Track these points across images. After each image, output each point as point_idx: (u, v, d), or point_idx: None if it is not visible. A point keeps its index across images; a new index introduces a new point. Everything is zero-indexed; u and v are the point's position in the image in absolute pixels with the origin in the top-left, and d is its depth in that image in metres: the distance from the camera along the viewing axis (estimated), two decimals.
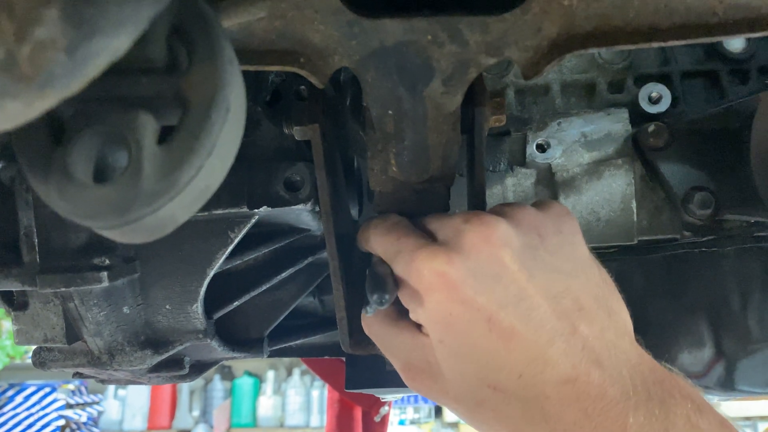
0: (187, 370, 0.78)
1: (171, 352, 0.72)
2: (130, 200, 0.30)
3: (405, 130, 0.53)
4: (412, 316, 0.53)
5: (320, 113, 0.58)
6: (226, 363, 5.30)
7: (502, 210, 0.54)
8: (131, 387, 4.89)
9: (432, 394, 0.54)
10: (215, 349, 0.75)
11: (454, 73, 0.49)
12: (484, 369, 0.49)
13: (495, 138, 0.96)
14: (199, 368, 0.84)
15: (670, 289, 0.98)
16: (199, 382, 5.16)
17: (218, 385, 5.24)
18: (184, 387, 4.97)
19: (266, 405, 5.09)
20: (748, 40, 0.98)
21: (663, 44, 0.45)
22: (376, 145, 0.55)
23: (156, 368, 0.76)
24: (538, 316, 0.48)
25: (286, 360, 5.31)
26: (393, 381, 0.69)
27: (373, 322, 0.59)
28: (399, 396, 1.08)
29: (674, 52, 1.00)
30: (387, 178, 0.58)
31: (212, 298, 0.73)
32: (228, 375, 5.33)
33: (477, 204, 0.61)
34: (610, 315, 0.51)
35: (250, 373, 5.25)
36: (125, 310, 0.68)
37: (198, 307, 0.69)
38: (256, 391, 5.17)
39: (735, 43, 0.98)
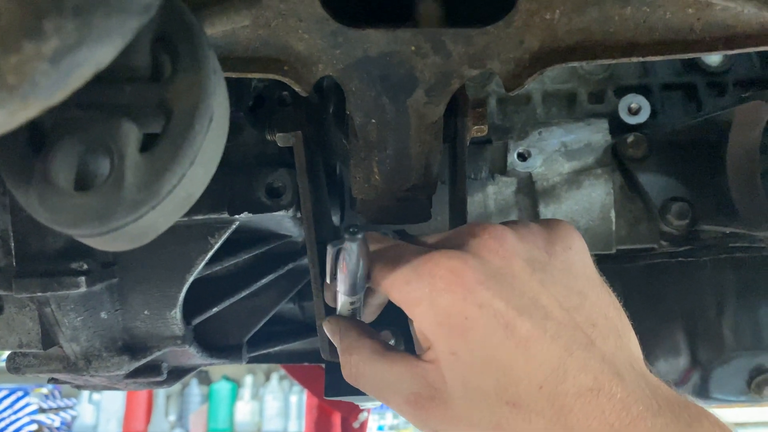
0: (164, 376, 0.78)
1: (149, 358, 0.71)
2: (112, 209, 0.30)
3: (388, 139, 0.53)
4: (417, 326, 0.48)
5: (303, 120, 0.58)
6: (203, 368, 5.26)
7: (508, 224, 0.51)
8: (106, 391, 4.82)
9: (443, 425, 0.48)
10: (193, 355, 0.75)
11: (436, 84, 0.49)
12: (501, 382, 0.44)
13: (476, 146, 0.97)
14: (177, 374, 0.83)
15: (647, 298, 0.99)
16: (175, 386, 5.10)
17: (195, 390, 5.19)
18: (161, 391, 4.91)
19: (244, 410, 5.05)
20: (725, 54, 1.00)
21: (642, 59, 0.46)
22: (359, 153, 0.55)
23: (133, 374, 0.75)
24: (553, 325, 0.45)
25: (264, 365, 5.28)
26: None
27: (359, 363, 0.53)
28: (379, 403, 1.08)
29: (653, 64, 1.02)
30: (370, 186, 0.58)
31: (191, 303, 0.73)
32: (205, 379, 5.28)
33: (459, 212, 0.62)
34: (620, 336, 0.48)
35: (227, 378, 5.20)
36: (103, 315, 0.68)
37: (177, 313, 0.69)
38: (234, 396, 5.13)
39: (713, 57, 1.00)
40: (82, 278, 0.62)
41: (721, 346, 0.95)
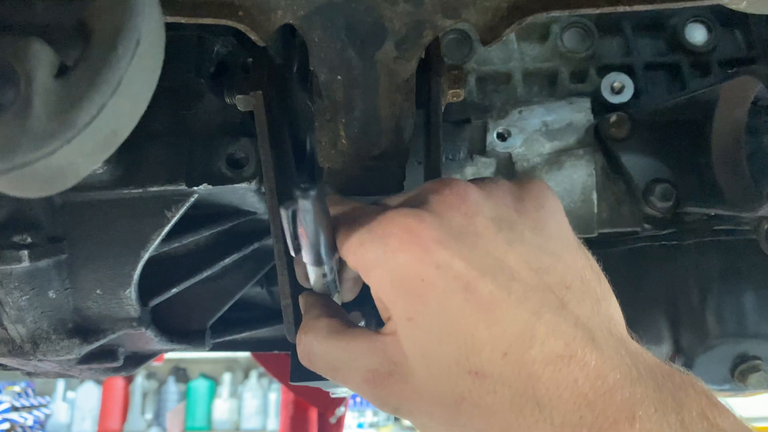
0: (121, 362, 0.73)
1: (102, 341, 0.67)
2: (16, 140, 0.25)
3: (355, 98, 0.49)
4: (374, 293, 0.45)
5: (265, 81, 0.54)
6: (181, 365, 5.20)
7: (475, 181, 0.48)
8: (81, 389, 4.74)
9: (403, 404, 0.45)
10: (152, 339, 0.70)
11: (407, 35, 0.45)
12: (462, 350, 0.41)
13: (455, 126, 0.93)
14: (135, 360, 0.78)
15: (629, 284, 0.96)
16: (152, 384, 5.04)
17: (172, 388, 5.13)
18: (137, 389, 4.85)
19: (222, 408, 5.00)
20: (710, 32, 0.97)
21: (628, 8, 0.43)
22: (324, 114, 0.51)
23: (87, 359, 0.70)
24: (520, 287, 0.41)
25: (243, 362, 5.23)
26: None
27: (314, 340, 0.49)
28: (346, 391, 1.04)
29: (637, 43, 0.99)
30: (336, 152, 0.54)
31: (148, 284, 0.68)
32: (183, 377, 5.22)
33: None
34: (599, 301, 0.45)
35: (205, 376, 5.15)
36: (51, 294, 0.63)
37: (131, 293, 0.64)
38: (212, 394, 5.08)
39: (697, 35, 0.97)
40: (25, 252, 0.57)
41: (705, 332, 0.92)
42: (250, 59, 0.66)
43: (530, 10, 0.44)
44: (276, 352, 0.94)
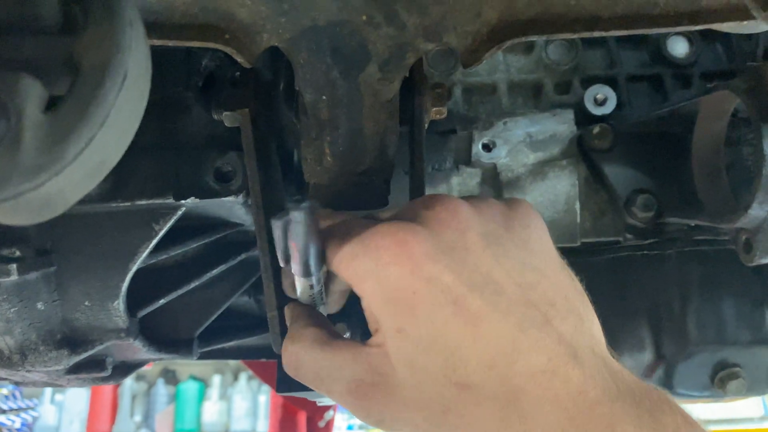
0: (109, 372, 0.73)
1: (90, 352, 0.67)
2: (7, 174, 0.26)
3: (340, 117, 0.50)
4: (365, 305, 0.46)
5: (251, 98, 0.55)
6: (170, 367, 5.18)
7: (466, 198, 0.49)
8: (69, 391, 4.72)
9: (387, 415, 0.45)
10: (140, 349, 0.71)
11: (390, 58, 0.47)
12: (449, 362, 0.42)
13: (440, 136, 0.95)
14: (123, 369, 0.79)
15: (612, 293, 0.98)
16: (141, 386, 5.03)
17: (161, 390, 5.11)
18: (126, 391, 4.82)
19: (211, 410, 4.99)
20: (692, 45, 0.99)
21: (604, 33, 0.44)
22: (309, 132, 0.52)
23: (75, 369, 0.71)
24: (505, 302, 0.42)
25: (233, 364, 5.22)
26: None
27: (300, 350, 0.50)
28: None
29: (620, 55, 1.00)
30: (322, 168, 0.55)
31: (136, 295, 0.69)
32: (172, 379, 5.20)
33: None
34: (582, 320, 0.45)
35: (195, 378, 5.13)
36: (39, 306, 0.63)
37: (120, 304, 0.65)
38: (201, 396, 5.06)
39: (679, 48, 0.99)
40: (14, 266, 0.58)
41: (685, 340, 0.94)
42: (239, 73, 0.67)
43: (509, 35, 0.45)
44: (263, 360, 0.94)
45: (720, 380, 0.93)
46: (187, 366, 5.12)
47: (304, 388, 0.65)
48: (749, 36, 0.97)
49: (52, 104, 0.29)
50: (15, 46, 0.28)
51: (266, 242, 0.59)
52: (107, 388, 4.66)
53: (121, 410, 4.87)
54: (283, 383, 0.66)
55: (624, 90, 0.97)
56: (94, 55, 0.28)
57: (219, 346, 0.85)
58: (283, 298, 0.60)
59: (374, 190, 0.59)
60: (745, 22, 0.46)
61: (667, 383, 0.96)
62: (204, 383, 5.11)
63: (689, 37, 0.99)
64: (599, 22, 0.44)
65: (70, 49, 0.28)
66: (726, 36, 1.00)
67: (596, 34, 0.44)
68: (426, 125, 0.58)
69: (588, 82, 0.97)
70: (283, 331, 0.61)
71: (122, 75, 0.28)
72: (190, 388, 5.05)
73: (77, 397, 4.75)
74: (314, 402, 1.97)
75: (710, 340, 0.93)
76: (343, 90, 0.48)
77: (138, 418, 4.96)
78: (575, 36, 0.44)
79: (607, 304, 0.97)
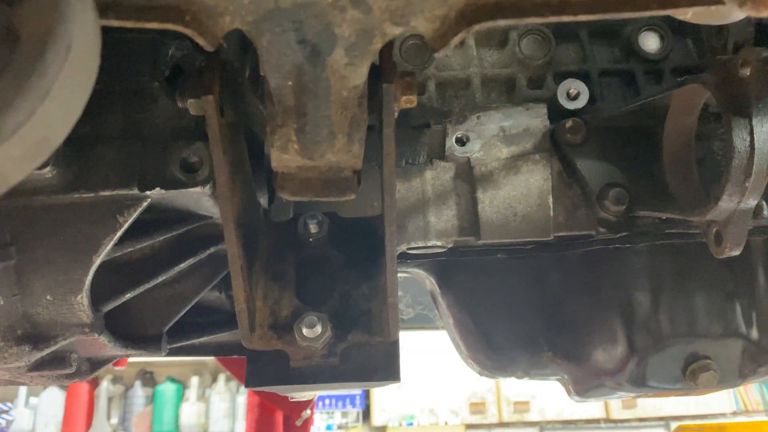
0: (74, 368, 0.72)
1: (53, 348, 0.65)
2: None
3: (306, 104, 0.50)
4: None
5: (216, 85, 0.54)
6: (148, 368, 5.12)
7: None
8: (44, 394, 4.65)
9: None
10: (105, 345, 0.69)
11: (357, 42, 0.46)
12: None
13: (414, 130, 0.94)
14: (90, 366, 0.77)
15: (585, 286, 0.98)
16: (118, 388, 4.97)
17: (139, 392, 5.06)
18: (102, 393, 4.77)
19: (189, 412, 4.96)
20: (663, 40, 1.00)
21: (573, 18, 0.44)
22: (275, 119, 0.51)
23: (38, 366, 0.69)
24: None
25: (211, 365, 5.18)
26: (298, 378, 0.65)
27: None
28: (306, 395, 1.04)
29: (592, 50, 1.01)
30: (288, 157, 0.54)
31: (102, 289, 0.67)
32: (149, 381, 5.15)
33: (387, 191, 0.58)
34: None
35: (173, 379, 5.09)
36: None
37: (83, 298, 0.63)
38: (179, 398, 5.02)
39: (650, 44, 0.99)
40: None
41: (658, 333, 0.94)
42: (203, 61, 0.66)
43: (477, 19, 0.45)
44: (236, 356, 0.93)
45: (691, 373, 0.94)
46: (164, 367, 5.06)
47: (274, 383, 0.65)
48: (719, 31, 0.97)
49: None
50: None
51: (234, 234, 0.57)
52: (83, 391, 4.59)
53: (97, 413, 4.82)
54: (253, 378, 0.65)
55: (596, 85, 0.98)
56: (35, 24, 0.26)
57: (189, 342, 0.83)
58: (252, 292, 0.59)
59: (343, 180, 0.58)
60: (713, 8, 0.46)
61: (639, 376, 0.97)
62: (182, 385, 5.08)
63: (660, 32, 1.00)
64: (568, 6, 0.44)
65: (8, 16, 0.27)
66: (696, 32, 1.01)
67: (565, 18, 0.44)
68: (396, 114, 0.57)
69: (561, 76, 0.97)
70: (253, 325, 0.60)
71: (66, 46, 0.27)
72: (167, 389, 5.01)
73: (52, 400, 4.68)
74: (291, 401, 1.95)
75: (682, 332, 0.94)
76: (309, 75, 0.47)
77: (114, 420, 4.91)
78: (543, 20, 0.44)
79: (580, 298, 0.98)
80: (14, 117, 0.26)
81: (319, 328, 0.64)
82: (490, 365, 1.07)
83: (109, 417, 4.93)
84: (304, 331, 0.63)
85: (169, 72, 0.67)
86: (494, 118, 0.93)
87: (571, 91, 0.95)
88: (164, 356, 0.79)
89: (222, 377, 5.11)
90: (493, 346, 1.05)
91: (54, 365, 0.70)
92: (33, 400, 4.75)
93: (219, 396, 5.04)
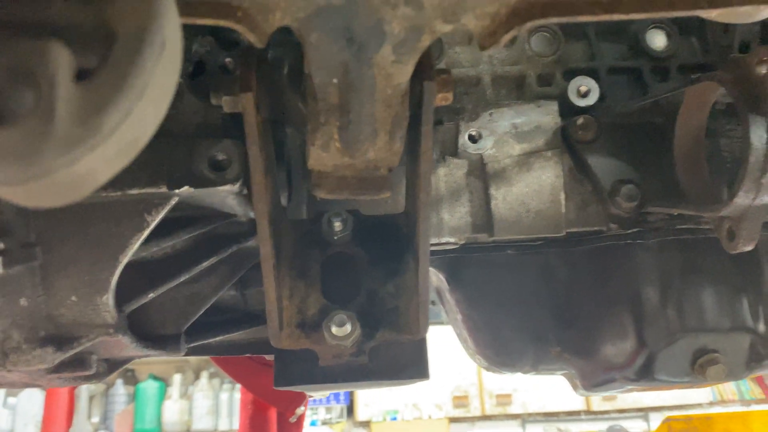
0: (94, 370, 0.70)
1: (77, 350, 0.64)
2: (39, 146, 0.24)
3: (351, 101, 0.49)
4: None
5: (254, 81, 0.53)
6: (129, 366, 5.07)
7: None
8: (23, 394, 4.57)
9: None
10: (127, 345, 0.68)
11: (406, 40, 0.45)
12: None
13: None
14: (108, 367, 0.76)
15: (595, 281, 0.99)
16: (99, 386, 4.90)
17: (120, 390, 5.01)
18: (83, 392, 4.71)
19: (172, 409, 4.92)
20: (669, 38, 1.00)
21: (624, 17, 0.44)
22: (317, 117, 0.50)
23: (58, 368, 0.68)
24: None
25: (194, 362, 5.14)
26: (328, 377, 0.64)
27: None
28: (328, 392, 1.03)
29: (600, 48, 1.01)
30: (328, 155, 0.54)
31: (124, 289, 0.66)
32: (131, 379, 5.10)
33: (417, 188, 0.58)
34: None
35: (155, 377, 5.05)
36: (22, 302, 0.60)
37: (109, 299, 0.62)
38: (162, 396, 4.98)
39: (657, 41, 1.00)
40: None
41: (666, 327, 0.95)
42: (229, 59, 0.65)
43: (529, 17, 0.44)
44: (247, 356, 0.92)
45: (700, 366, 0.95)
46: (146, 365, 5.01)
47: (303, 382, 0.64)
48: (726, 30, 0.99)
49: (81, 76, 0.26)
50: (43, 10, 0.26)
51: (268, 232, 0.57)
52: (63, 390, 4.52)
53: (78, 412, 4.75)
54: (282, 377, 0.64)
55: (605, 82, 0.98)
56: (130, 21, 0.26)
57: (205, 341, 0.82)
58: (282, 291, 0.59)
59: (378, 178, 0.57)
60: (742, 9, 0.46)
61: (648, 370, 0.97)
62: (164, 382, 5.04)
63: (667, 30, 1.01)
64: (619, 5, 0.44)
65: (104, 14, 0.26)
66: (701, 30, 1.02)
67: (616, 17, 0.44)
68: (433, 111, 0.56)
69: (570, 74, 0.97)
70: (282, 324, 0.59)
71: (161, 43, 0.26)
72: (149, 387, 4.97)
73: (31, 400, 4.61)
74: (285, 398, 1.94)
75: (690, 327, 0.95)
76: (355, 73, 0.47)
77: (96, 419, 4.86)
78: (595, 19, 0.44)
79: (590, 293, 0.99)
80: (113, 116, 0.25)
81: (348, 327, 0.63)
82: (498, 360, 1.07)
83: (90, 416, 4.87)
84: (334, 329, 0.63)
85: (191, 68, 0.66)
86: (506, 115, 0.93)
87: (581, 88, 0.95)
88: (182, 356, 0.78)
89: (205, 374, 5.08)
90: (502, 341, 1.05)
91: (74, 367, 0.69)
92: (11, 400, 4.66)
93: (202, 393, 5.01)
